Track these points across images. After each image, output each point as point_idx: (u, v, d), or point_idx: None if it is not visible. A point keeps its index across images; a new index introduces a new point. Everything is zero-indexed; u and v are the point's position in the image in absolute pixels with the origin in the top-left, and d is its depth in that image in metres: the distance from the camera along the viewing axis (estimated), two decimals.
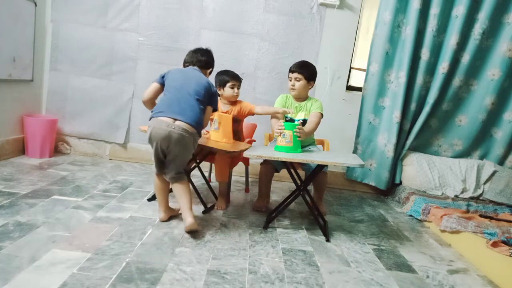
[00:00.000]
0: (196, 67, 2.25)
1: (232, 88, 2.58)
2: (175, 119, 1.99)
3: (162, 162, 2.10)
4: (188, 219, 2.02)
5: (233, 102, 2.66)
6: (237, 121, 2.66)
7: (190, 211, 2.05)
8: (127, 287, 1.50)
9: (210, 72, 2.38)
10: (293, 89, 2.62)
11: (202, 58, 2.27)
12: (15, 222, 1.93)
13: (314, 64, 2.69)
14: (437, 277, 1.97)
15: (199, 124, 2.07)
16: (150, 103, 2.19)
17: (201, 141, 2.28)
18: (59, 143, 3.52)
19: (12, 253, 1.63)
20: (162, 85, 2.15)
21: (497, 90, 3.26)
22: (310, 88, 2.69)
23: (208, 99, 2.15)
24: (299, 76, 2.59)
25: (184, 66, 2.29)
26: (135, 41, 3.39)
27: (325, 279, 1.78)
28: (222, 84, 2.58)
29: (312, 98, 2.72)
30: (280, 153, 2.23)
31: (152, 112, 2.07)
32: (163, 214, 2.22)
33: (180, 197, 2.09)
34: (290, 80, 2.63)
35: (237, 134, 2.64)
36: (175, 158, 2.06)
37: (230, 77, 2.58)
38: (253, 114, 2.66)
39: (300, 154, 2.27)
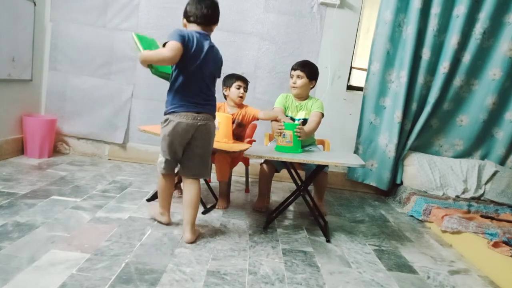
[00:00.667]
0: (202, 31, 1.99)
1: (238, 88, 2.62)
2: (198, 112, 1.94)
3: (175, 161, 2.02)
4: (187, 235, 1.97)
5: (239, 105, 2.68)
6: (241, 126, 2.67)
7: (192, 226, 1.99)
8: None
9: (214, 27, 2.09)
10: (294, 87, 2.60)
11: (207, 12, 1.98)
12: (14, 223, 1.92)
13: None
14: (438, 277, 1.96)
15: (215, 111, 2.08)
16: (170, 63, 1.97)
17: None
18: (58, 143, 3.51)
19: (11, 254, 1.62)
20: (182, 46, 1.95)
21: (498, 90, 3.25)
22: (311, 88, 2.68)
23: (218, 73, 2.10)
24: (301, 74, 2.57)
25: (187, 18, 2.03)
26: None
27: (326, 280, 1.77)
28: (229, 85, 2.63)
29: (312, 97, 2.71)
30: (280, 153, 2.22)
31: (172, 106, 1.95)
32: (167, 218, 2.14)
33: (188, 206, 1.99)
34: (292, 78, 2.62)
35: (240, 139, 2.65)
36: (199, 152, 1.99)
37: (236, 78, 2.64)
38: (257, 119, 2.69)
39: (300, 154, 2.27)
